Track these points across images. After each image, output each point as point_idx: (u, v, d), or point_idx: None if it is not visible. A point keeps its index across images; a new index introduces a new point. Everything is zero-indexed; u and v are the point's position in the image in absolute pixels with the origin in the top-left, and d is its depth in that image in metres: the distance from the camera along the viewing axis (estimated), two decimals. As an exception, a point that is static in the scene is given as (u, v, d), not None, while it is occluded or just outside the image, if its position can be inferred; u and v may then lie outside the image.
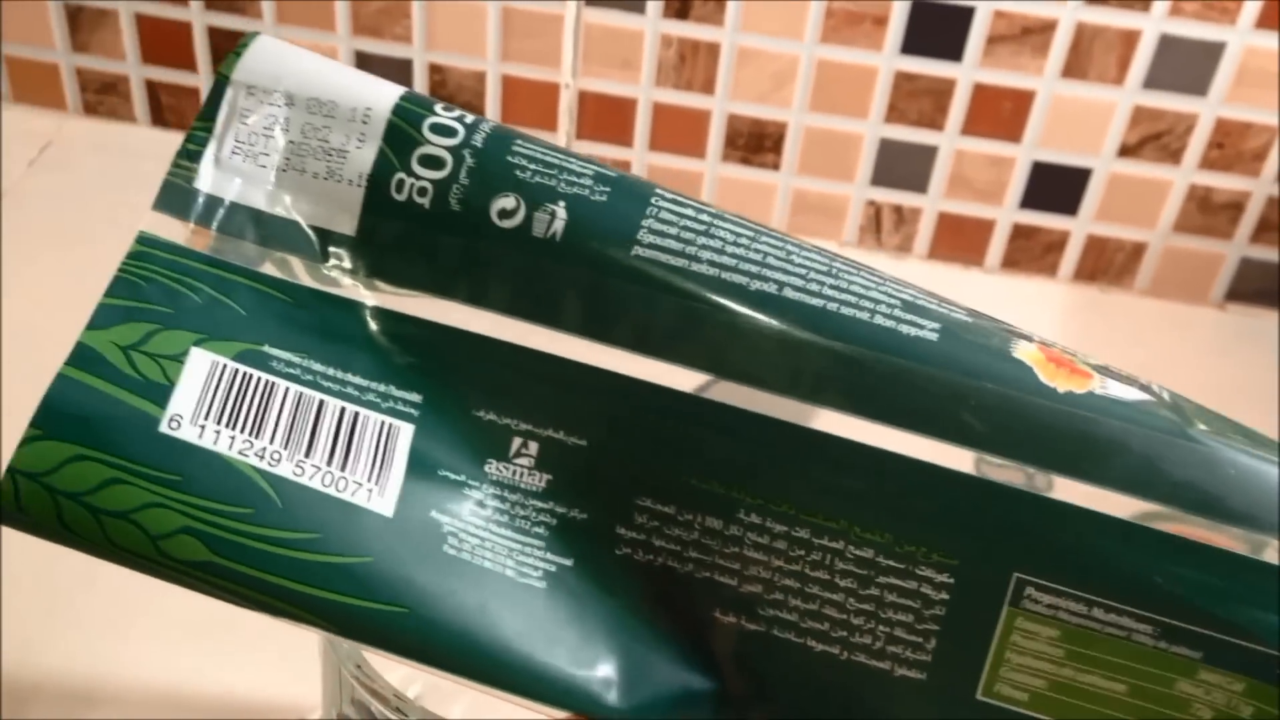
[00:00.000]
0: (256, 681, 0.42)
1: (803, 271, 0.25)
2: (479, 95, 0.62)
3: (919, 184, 0.62)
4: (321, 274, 0.26)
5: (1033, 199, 0.61)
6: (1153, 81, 0.57)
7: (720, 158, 0.62)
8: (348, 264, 0.26)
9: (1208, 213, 0.61)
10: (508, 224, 0.25)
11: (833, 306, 0.25)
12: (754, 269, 0.25)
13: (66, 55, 0.64)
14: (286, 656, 0.41)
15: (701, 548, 0.26)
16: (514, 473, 0.26)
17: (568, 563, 0.26)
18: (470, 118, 0.26)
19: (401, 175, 0.26)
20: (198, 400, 0.24)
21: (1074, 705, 0.25)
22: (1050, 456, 0.24)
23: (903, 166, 0.61)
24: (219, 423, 0.24)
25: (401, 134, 0.26)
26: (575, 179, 0.26)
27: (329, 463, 0.25)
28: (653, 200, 0.26)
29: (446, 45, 0.61)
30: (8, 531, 0.24)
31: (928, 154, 0.61)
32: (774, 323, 0.25)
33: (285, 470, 0.24)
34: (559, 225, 0.25)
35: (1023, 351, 0.25)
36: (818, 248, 0.26)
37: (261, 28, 0.61)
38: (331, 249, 0.26)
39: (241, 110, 0.26)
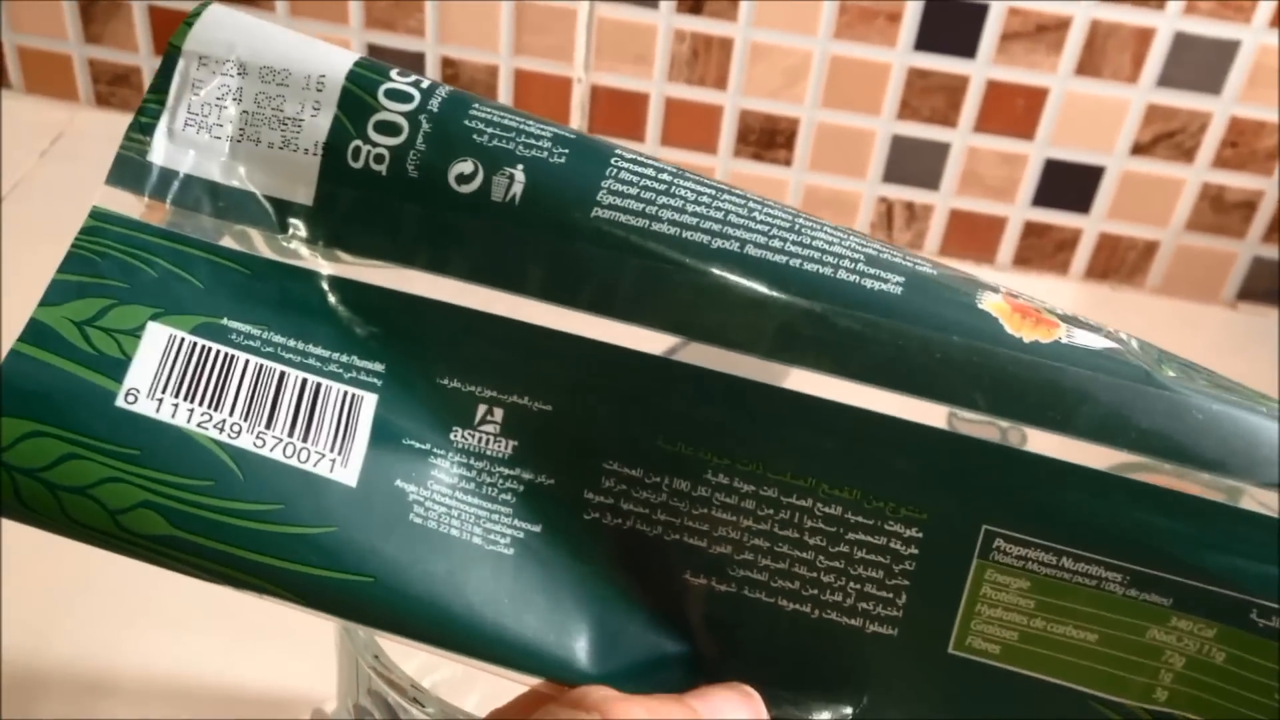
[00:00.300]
0: (268, 674, 0.42)
1: (765, 228, 0.25)
2: (491, 89, 0.62)
3: (931, 181, 0.62)
4: (280, 245, 0.26)
5: (1045, 196, 0.61)
6: (1167, 79, 0.57)
7: (732, 153, 0.62)
8: (306, 234, 0.26)
9: (1220, 211, 0.61)
10: (466, 189, 0.25)
11: (795, 263, 0.25)
12: (715, 227, 0.25)
13: (79, 46, 0.64)
14: (299, 649, 0.41)
15: (670, 510, 0.25)
16: (479, 440, 0.26)
17: (536, 529, 0.26)
18: (426, 82, 0.26)
19: (358, 142, 0.25)
20: (155, 374, 0.24)
21: (1046, 656, 0.25)
22: (1018, 407, 0.24)
23: (915, 163, 0.61)
24: (177, 396, 0.24)
25: (356, 101, 0.26)
26: (534, 141, 0.25)
27: (290, 434, 0.24)
28: (612, 160, 0.25)
29: (459, 39, 0.61)
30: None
31: (940, 151, 0.61)
32: (736, 280, 0.25)
33: (246, 442, 0.24)
34: (518, 189, 0.25)
35: (989, 303, 0.25)
36: (782, 205, 0.26)
37: (275, 20, 0.61)
38: (289, 220, 0.26)
39: (194, 81, 0.26)
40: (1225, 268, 0.62)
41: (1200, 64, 0.57)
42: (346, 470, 0.24)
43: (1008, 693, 0.25)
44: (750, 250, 0.25)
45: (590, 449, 0.26)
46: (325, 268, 0.26)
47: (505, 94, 0.62)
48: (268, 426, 0.24)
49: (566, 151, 0.25)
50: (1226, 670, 0.24)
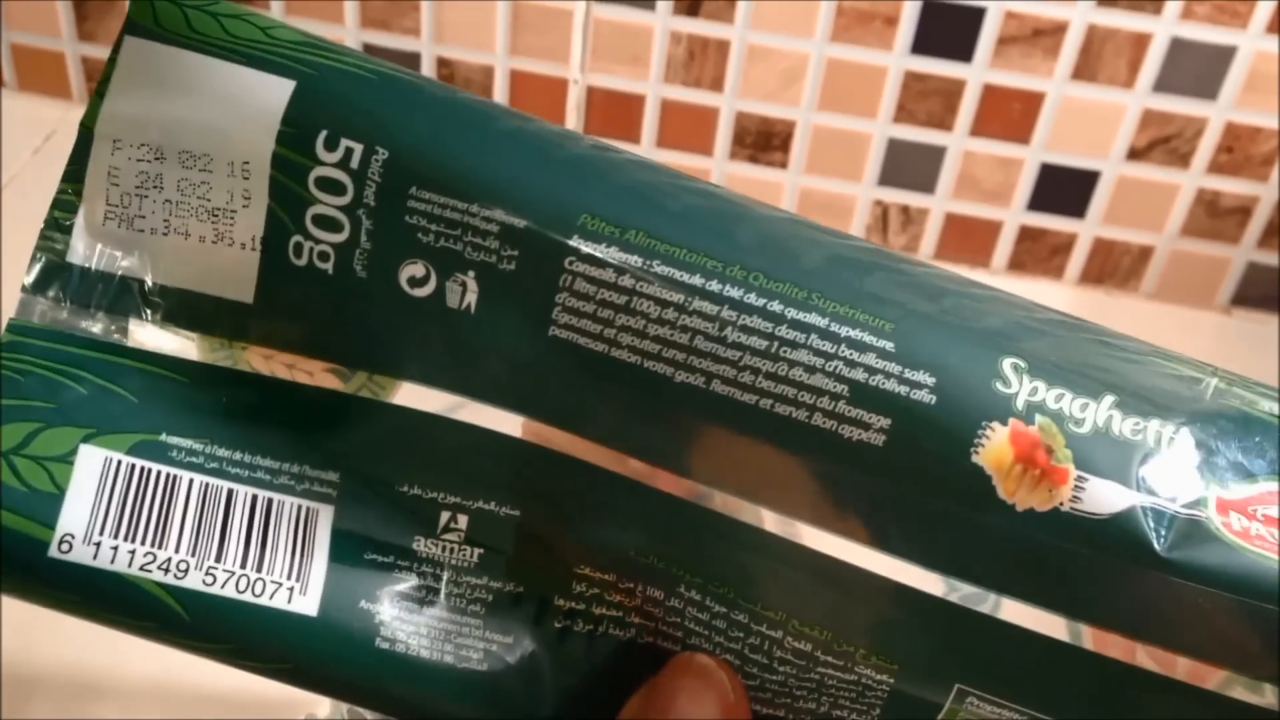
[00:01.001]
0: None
1: (736, 356, 0.22)
2: (487, 90, 0.62)
3: (927, 184, 0.61)
4: (218, 348, 0.24)
5: (1040, 201, 0.61)
6: (1163, 85, 0.57)
7: (728, 155, 0.62)
8: (248, 336, 0.24)
9: (1215, 217, 0.61)
10: (420, 293, 0.23)
11: (766, 404, 0.22)
12: (680, 356, 0.22)
13: (72, 44, 0.64)
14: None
15: (644, 614, 0.24)
16: (444, 549, 0.24)
17: (508, 640, 0.24)
18: (356, 160, 0.23)
19: (299, 238, 0.23)
20: (91, 509, 0.22)
21: None
22: (999, 580, 0.22)
23: (911, 167, 0.61)
24: (116, 535, 0.22)
25: (288, 191, 0.23)
26: (480, 241, 0.22)
27: (243, 564, 0.23)
28: (567, 263, 0.22)
29: (455, 39, 0.61)
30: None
31: (936, 154, 0.61)
32: (701, 423, 0.22)
33: (193, 581, 0.22)
34: (471, 298, 0.23)
35: (987, 451, 0.21)
36: (766, 301, 0.22)
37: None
38: (228, 320, 0.24)
39: (110, 169, 0.23)
40: (1220, 273, 0.62)
41: (1197, 69, 0.57)
42: (306, 598, 0.23)
43: None
44: (717, 387, 0.22)
45: (560, 554, 0.24)
46: (271, 371, 0.24)
47: (501, 95, 0.62)
48: (218, 559, 0.23)
49: (516, 254, 0.22)
50: None
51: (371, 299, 0.23)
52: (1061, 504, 0.21)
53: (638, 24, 0.59)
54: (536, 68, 0.61)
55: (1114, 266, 0.63)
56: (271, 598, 0.23)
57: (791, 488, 0.22)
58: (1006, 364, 0.22)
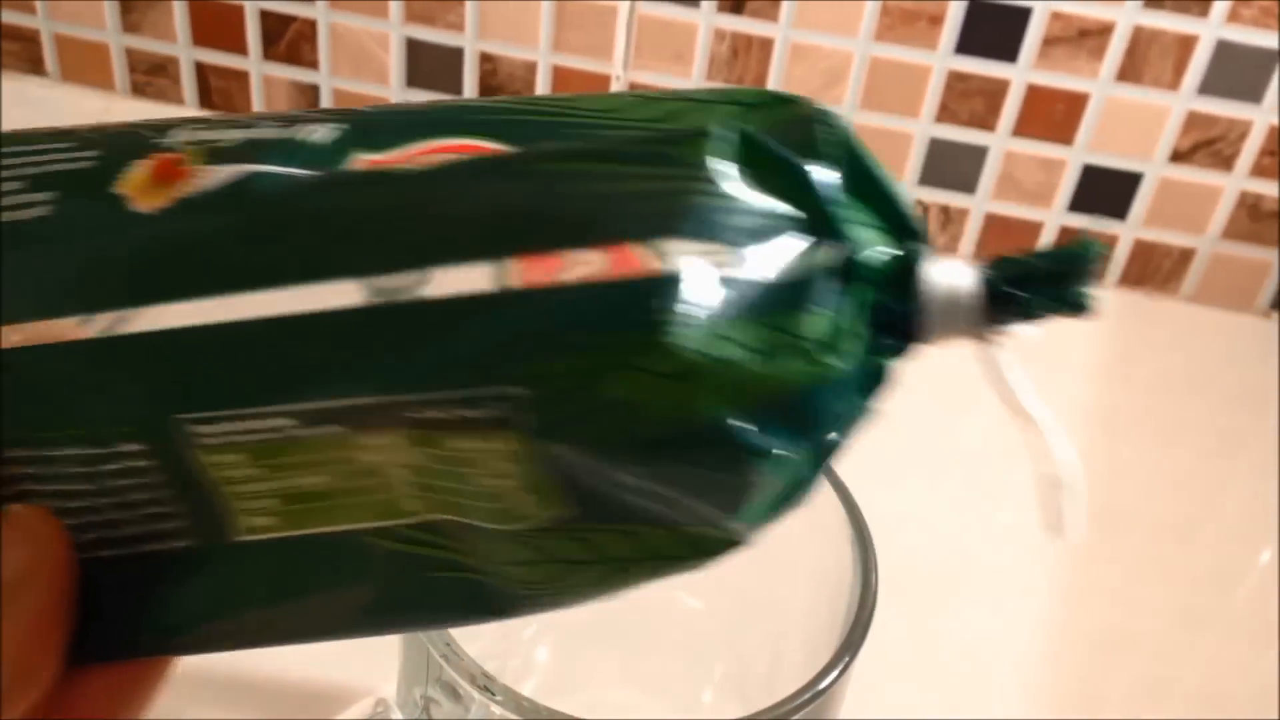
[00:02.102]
0: (314, 668, 0.42)
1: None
2: (529, 85, 0.62)
3: (968, 184, 0.62)
4: None
5: (1082, 202, 0.61)
6: (1207, 87, 0.57)
7: (769, 154, 0.62)
8: None
9: (1257, 220, 0.61)
10: None
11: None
12: None
13: (117, 35, 0.64)
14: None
15: None
16: None
17: None
18: None
19: None
20: None
21: (308, 511, 0.23)
22: (140, 293, 0.22)
23: (952, 166, 0.61)
24: None
25: None
26: None
27: None
28: None
29: (498, 35, 0.61)
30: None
31: (978, 154, 0.61)
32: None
33: None
34: None
35: (128, 180, 0.23)
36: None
37: (314, 14, 0.61)
38: None
39: None
40: (1260, 277, 0.62)
41: (1241, 72, 0.57)
42: None
43: (301, 557, 0.23)
44: None
45: None
46: None
47: (543, 91, 0.62)
48: None
49: None
50: (450, 470, 0.22)
51: None
52: (182, 193, 0.23)
53: (682, 21, 0.59)
54: (579, 64, 0.61)
55: (1154, 269, 0.63)
56: None
57: (41, 282, 0.23)
58: (168, 130, 0.24)
